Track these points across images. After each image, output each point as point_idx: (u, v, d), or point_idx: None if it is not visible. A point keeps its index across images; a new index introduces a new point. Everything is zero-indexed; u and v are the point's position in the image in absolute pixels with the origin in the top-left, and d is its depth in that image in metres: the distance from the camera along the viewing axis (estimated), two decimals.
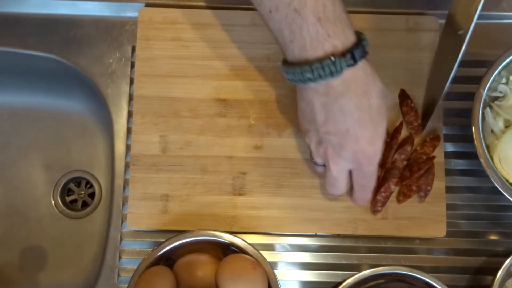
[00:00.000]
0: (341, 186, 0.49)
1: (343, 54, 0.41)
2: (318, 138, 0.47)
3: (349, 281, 0.52)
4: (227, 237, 0.51)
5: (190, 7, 0.59)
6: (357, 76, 0.42)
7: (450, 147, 0.59)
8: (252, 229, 0.56)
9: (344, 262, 0.57)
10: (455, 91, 0.59)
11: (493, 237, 0.58)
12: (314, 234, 0.57)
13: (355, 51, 0.41)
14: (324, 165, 0.50)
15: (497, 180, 0.52)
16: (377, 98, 0.43)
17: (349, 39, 0.42)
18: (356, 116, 0.43)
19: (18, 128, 0.71)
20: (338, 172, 0.47)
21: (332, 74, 0.41)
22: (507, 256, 0.52)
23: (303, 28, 0.41)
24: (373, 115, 0.43)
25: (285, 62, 0.45)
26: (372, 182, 0.50)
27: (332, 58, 0.40)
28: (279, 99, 0.58)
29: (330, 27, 0.41)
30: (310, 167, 0.56)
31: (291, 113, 0.57)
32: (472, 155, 0.54)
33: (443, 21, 0.54)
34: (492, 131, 0.55)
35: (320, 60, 0.41)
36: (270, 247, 0.57)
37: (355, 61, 0.41)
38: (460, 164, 0.59)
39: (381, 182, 0.55)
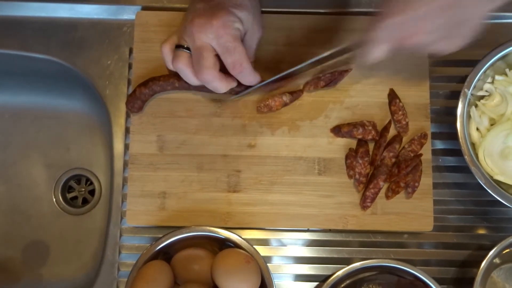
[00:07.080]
0: (207, 62, 0.50)
1: None
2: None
3: (339, 273, 0.54)
4: (223, 233, 0.52)
5: (185, 11, 0.60)
6: None
7: (438, 144, 0.60)
8: (246, 224, 0.57)
9: (335, 256, 0.59)
10: (443, 90, 0.61)
11: (479, 231, 0.60)
12: (306, 229, 0.59)
13: None
14: (187, 50, 0.51)
15: (481, 177, 0.54)
16: None
17: None
18: None
19: (19, 128, 0.72)
20: (202, 43, 0.50)
21: None
22: (492, 249, 0.54)
23: None
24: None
25: None
26: (239, 57, 0.50)
27: None
28: None
29: None
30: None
31: (283, 112, 0.59)
32: (459, 152, 0.55)
33: None
34: (477, 129, 0.57)
35: None
36: (264, 242, 0.59)
37: None
38: (447, 160, 0.60)
39: (370, 178, 0.57)
